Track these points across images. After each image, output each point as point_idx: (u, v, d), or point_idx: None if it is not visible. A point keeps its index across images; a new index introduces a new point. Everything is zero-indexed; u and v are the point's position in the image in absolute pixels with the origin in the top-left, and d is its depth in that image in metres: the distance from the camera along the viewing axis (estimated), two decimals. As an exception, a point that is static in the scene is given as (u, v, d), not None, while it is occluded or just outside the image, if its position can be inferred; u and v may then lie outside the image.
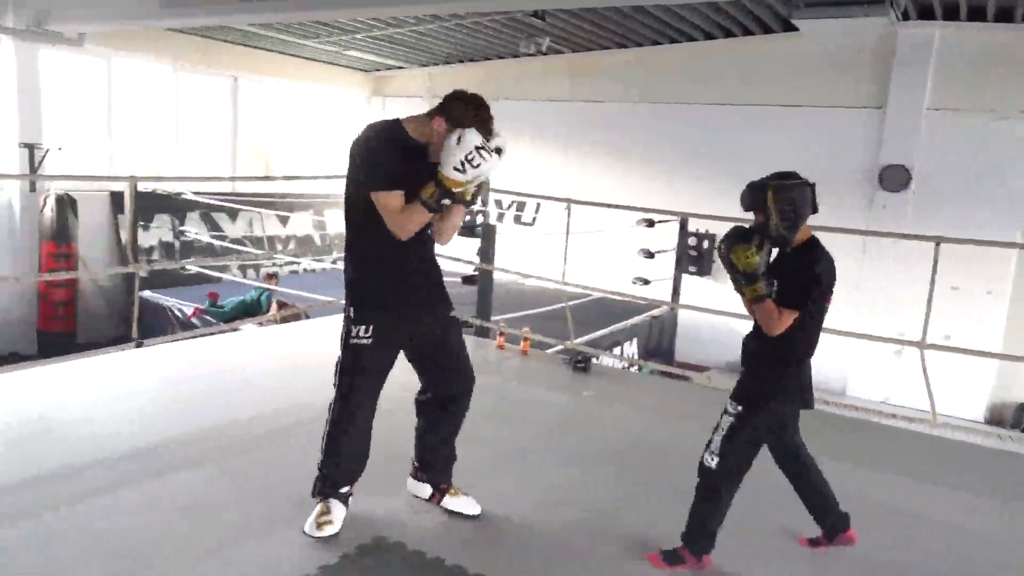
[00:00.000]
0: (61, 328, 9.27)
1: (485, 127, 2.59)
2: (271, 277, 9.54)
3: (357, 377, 2.73)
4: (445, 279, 2.91)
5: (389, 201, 2.60)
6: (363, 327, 2.69)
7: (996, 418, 9.41)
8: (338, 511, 2.78)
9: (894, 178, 9.63)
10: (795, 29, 9.50)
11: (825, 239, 2.74)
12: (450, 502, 2.98)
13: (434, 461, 2.99)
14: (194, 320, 8.77)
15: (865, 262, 9.80)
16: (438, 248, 2.89)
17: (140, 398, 4.09)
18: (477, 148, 2.52)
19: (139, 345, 4.58)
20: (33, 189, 9.09)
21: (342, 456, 2.78)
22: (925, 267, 4.51)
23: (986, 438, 6.03)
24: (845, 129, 10.04)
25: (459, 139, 2.52)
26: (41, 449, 3.37)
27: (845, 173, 9.95)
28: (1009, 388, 9.35)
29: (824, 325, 2.75)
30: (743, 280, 2.62)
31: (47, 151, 8.91)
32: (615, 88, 11.61)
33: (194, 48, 10.88)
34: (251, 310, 8.99)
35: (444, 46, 11.69)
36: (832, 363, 10.19)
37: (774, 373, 2.70)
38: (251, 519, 2.86)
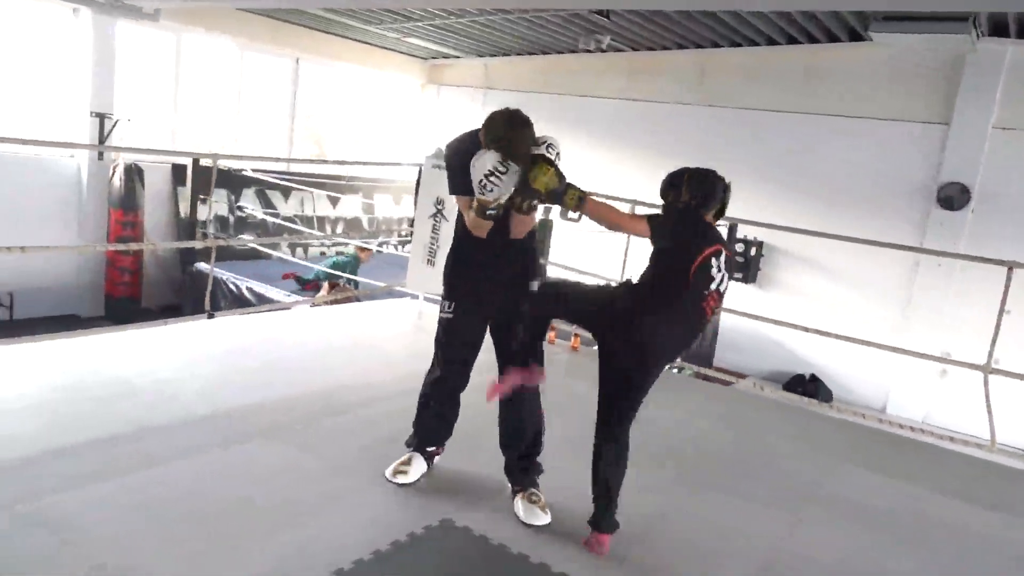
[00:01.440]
0: (127, 293, 9.70)
1: (504, 148, 2.65)
2: (364, 251, 9.60)
3: (444, 345, 3.11)
4: None
5: (460, 204, 2.97)
6: (447, 303, 3.10)
7: (1042, 446, 9.26)
8: (418, 465, 3.12)
9: (953, 196, 9.47)
10: (862, 39, 9.36)
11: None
12: (517, 505, 3.04)
13: (506, 459, 3.14)
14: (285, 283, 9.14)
15: (916, 278, 9.67)
16: None
17: (208, 366, 4.27)
18: (487, 175, 2.65)
19: (211, 316, 4.78)
20: (101, 157, 9.40)
21: (429, 416, 3.12)
22: (977, 288, 4.47)
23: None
24: (905, 143, 9.84)
25: (474, 165, 2.68)
26: (116, 411, 3.53)
27: (902, 188, 9.78)
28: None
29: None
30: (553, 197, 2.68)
31: (117, 121, 9.20)
32: (673, 89, 11.52)
33: (262, 28, 11.07)
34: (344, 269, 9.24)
35: (503, 38, 11.74)
36: (874, 378, 10.11)
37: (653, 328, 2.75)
38: (318, 493, 2.99)
